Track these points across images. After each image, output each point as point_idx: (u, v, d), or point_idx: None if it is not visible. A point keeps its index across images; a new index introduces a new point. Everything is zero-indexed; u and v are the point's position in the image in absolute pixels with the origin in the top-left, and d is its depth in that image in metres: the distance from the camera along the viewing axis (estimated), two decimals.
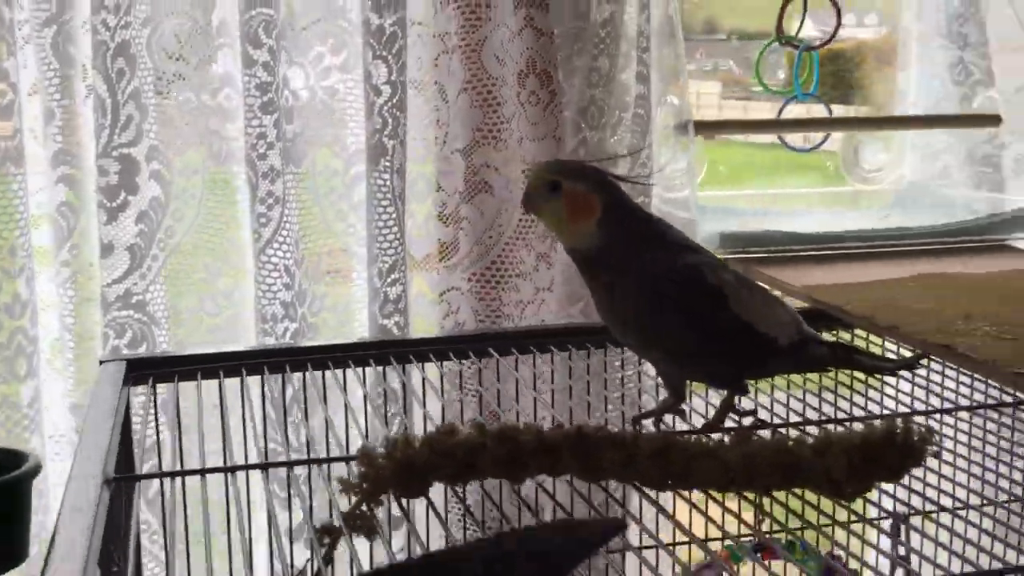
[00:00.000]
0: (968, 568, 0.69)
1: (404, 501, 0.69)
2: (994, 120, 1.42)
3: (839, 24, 1.42)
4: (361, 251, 1.27)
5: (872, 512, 0.84)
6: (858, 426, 0.73)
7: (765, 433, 0.78)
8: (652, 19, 1.31)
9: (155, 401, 0.92)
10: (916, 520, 0.72)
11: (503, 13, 1.25)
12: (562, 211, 0.77)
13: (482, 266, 1.30)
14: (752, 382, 0.86)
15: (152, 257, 1.18)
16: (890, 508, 0.94)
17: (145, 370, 0.92)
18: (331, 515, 0.91)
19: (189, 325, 1.23)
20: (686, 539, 0.76)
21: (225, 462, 0.79)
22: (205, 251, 1.23)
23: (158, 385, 0.92)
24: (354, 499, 0.67)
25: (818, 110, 1.46)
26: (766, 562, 0.87)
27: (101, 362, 0.94)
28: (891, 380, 0.94)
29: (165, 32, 1.18)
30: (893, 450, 0.67)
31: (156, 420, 1.01)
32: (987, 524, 0.74)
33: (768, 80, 1.48)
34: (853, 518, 0.76)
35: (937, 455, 0.69)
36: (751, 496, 0.70)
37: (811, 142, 1.48)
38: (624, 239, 0.77)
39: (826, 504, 0.73)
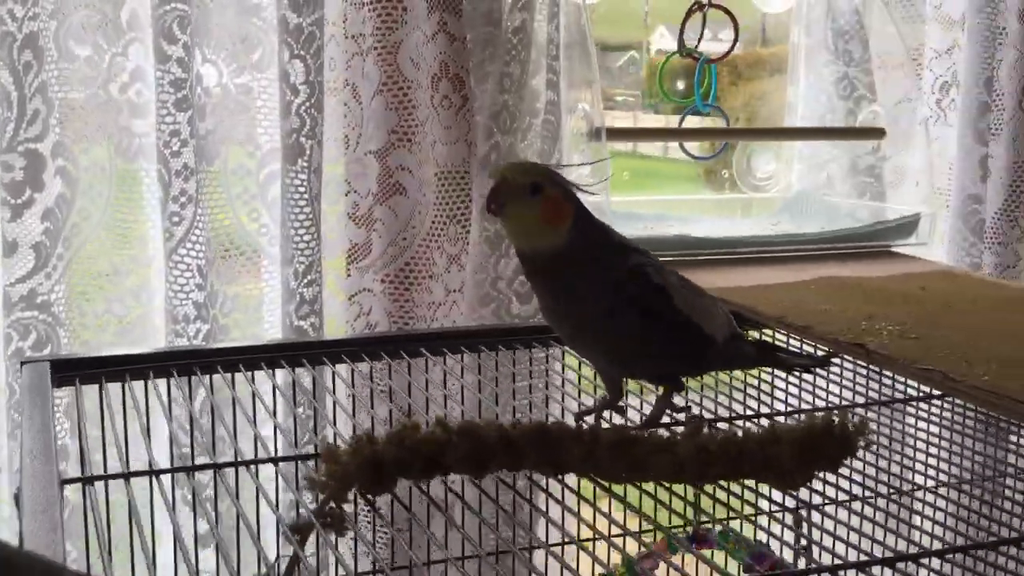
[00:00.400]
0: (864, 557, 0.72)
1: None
2: (878, 133, 1.52)
3: (736, 38, 1.48)
4: (274, 251, 1.25)
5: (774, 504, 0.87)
6: (784, 420, 0.76)
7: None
8: (563, 28, 1.34)
9: (79, 403, 0.89)
10: (831, 509, 0.76)
11: (417, 17, 1.26)
12: (537, 213, 0.78)
13: (395, 268, 1.30)
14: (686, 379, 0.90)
15: (58, 256, 1.14)
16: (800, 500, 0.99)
17: (70, 371, 0.89)
18: (259, 514, 0.92)
19: (95, 327, 1.19)
20: (621, 532, 0.78)
21: (150, 465, 0.78)
22: (113, 250, 1.19)
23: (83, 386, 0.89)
24: (320, 498, 0.67)
25: (717, 121, 1.53)
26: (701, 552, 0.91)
27: (22, 363, 0.90)
28: (808, 377, 0.99)
29: (73, 24, 1.14)
30: (833, 441, 0.71)
31: (81, 422, 0.98)
32: (904, 513, 0.79)
33: (667, 90, 1.53)
34: (763, 509, 0.80)
35: (869, 446, 0.74)
36: (681, 490, 0.74)
37: (712, 151, 1.54)
38: (587, 243, 0.80)
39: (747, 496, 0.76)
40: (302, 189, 1.21)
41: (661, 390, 0.86)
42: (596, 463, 0.70)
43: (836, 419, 0.72)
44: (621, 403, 0.88)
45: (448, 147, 1.28)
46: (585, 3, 1.35)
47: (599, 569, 0.87)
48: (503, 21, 1.29)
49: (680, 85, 1.55)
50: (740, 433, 0.73)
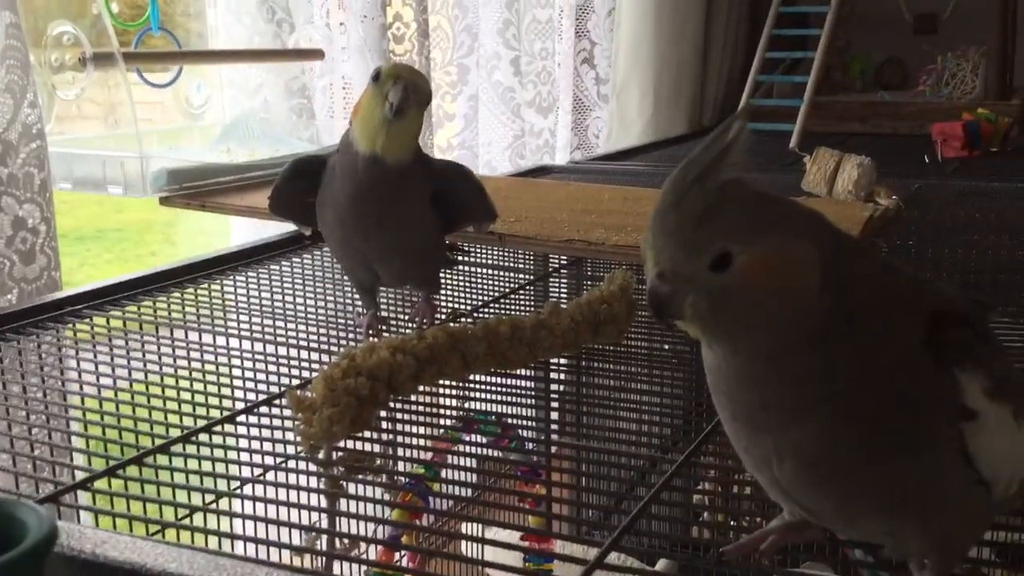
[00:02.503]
0: None
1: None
2: (318, 54, 1.60)
3: None
4: None
5: None
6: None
7: None
8: None
9: None
10: None
11: None
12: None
13: None
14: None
15: None
16: None
17: None
18: None
19: None
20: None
21: None
22: None
23: None
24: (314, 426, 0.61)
25: (170, 45, 1.45)
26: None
27: None
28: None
29: None
30: (625, 296, 0.86)
31: None
32: None
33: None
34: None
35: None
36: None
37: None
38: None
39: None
40: None
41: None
42: (502, 356, 0.75)
43: (620, 279, 0.86)
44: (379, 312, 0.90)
45: None
46: None
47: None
48: None
49: (115, 8, 1.42)
50: (566, 306, 0.83)
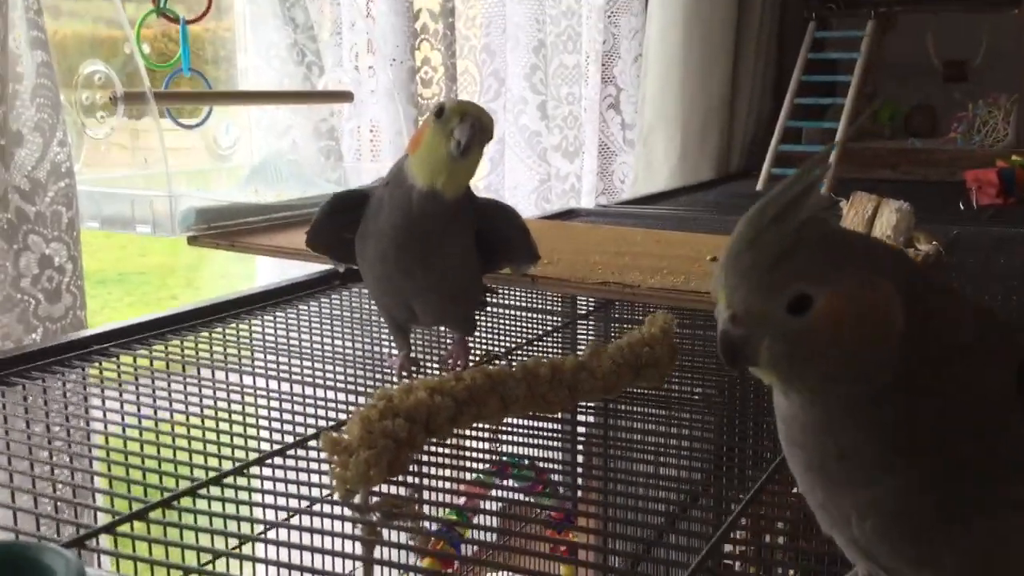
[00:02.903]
0: None
1: None
2: (347, 96, 1.60)
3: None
4: None
5: None
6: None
7: None
8: None
9: None
10: None
11: None
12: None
13: None
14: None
15: None
16: None
17: None
18: None
19: None
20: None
21: None
22: None
23: None
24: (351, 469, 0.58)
25: (199, 85, 1.45)
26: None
27: None
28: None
29: None
30: (667, 339, 0.84)
31: None
32: None
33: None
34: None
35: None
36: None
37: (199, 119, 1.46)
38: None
39: None
40: None
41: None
42: (541, 398, 0.72)
43: (662, 321, 0.84)
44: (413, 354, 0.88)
45: None
46: None
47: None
48: None
49: (147, 48, 1.43)
50: (608, 348, 0.80)
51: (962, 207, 2.04)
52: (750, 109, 2.86)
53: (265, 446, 0.77)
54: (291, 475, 0.71)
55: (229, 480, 0.69)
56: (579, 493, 0.91)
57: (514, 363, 0.82)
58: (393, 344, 0.96)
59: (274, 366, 0.99)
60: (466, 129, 0.81)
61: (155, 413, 0.87)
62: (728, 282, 0.47)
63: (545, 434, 0.84)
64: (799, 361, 0.47)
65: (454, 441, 0.78)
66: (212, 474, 0.69)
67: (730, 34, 2.66)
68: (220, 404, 0.89)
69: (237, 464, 0.72)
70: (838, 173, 2.33)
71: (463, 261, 0.88)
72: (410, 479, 0.69)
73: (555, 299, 1.39)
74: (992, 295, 1.32)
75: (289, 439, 0.77)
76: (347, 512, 0.62)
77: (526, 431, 0.82)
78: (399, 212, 0.85)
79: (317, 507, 0.68)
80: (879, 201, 1.34)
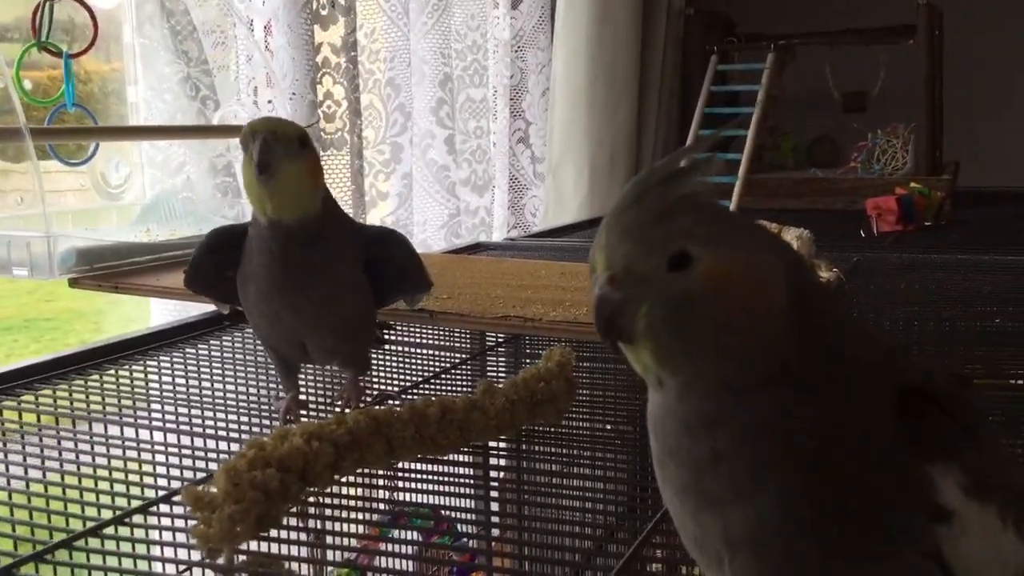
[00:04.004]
0: None
1: None
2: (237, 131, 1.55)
3: (96, 32, 1.37)
4: None
5: None
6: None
7: None
8: None
9: None
10: None
11: None
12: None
13: None
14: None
15: None
16: None
17: None
18: None
19: None
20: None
21: None
22: None
23: None
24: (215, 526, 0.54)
25: (85, 121, 1.39)
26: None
27: None
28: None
29: None
30: (563, 374, 0.81)
31: None
32: None
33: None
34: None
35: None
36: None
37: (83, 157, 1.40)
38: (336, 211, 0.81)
39: None
40: None
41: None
42: (431, 440, 0.69)
43: (559, 355, 0.81)
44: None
45: None
46: None
47: None
48: None
49: (28, 85, 1.36)
50: (501, 385, 0.77)
51: (863, 234, 2.07)
52: (656, 140, 2.88)
53: (128, 503, 0.71)
54: (153, 535, 0.66)
55: (80, 543, 0.64)
56: (494, 532, 0.88)
57: (401, 404, 0.79)
58: (281, 386, 0.92)
59: (145, 416, 0.93)
60: (257, 148, 0.76)
61: (25, 472, 0.81)
62: (609, 241, 0.45)
63: (450, 479, 0.80)
64: (678, 329, 0.44)
65: (346, 491, 0.74)
66: (58, 537, 0.64)
67: (634, 67, 2.68)
68: (83, 459, 0.82)
69: (96, 523, 0.66)
70: (743, 203, 2.35)
71: (350, 289, 0.84)
72: (285, 534, 0.64)
73: (462, 335, 1.35)
74: (894, 319, 1.33)
75: (152, 494, 0.72)
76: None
77: (433, 477, 0.78)
78: (261, 251, 0.81)
79: (194, 571, 0.63)
80: (780, 229, 1.35)
